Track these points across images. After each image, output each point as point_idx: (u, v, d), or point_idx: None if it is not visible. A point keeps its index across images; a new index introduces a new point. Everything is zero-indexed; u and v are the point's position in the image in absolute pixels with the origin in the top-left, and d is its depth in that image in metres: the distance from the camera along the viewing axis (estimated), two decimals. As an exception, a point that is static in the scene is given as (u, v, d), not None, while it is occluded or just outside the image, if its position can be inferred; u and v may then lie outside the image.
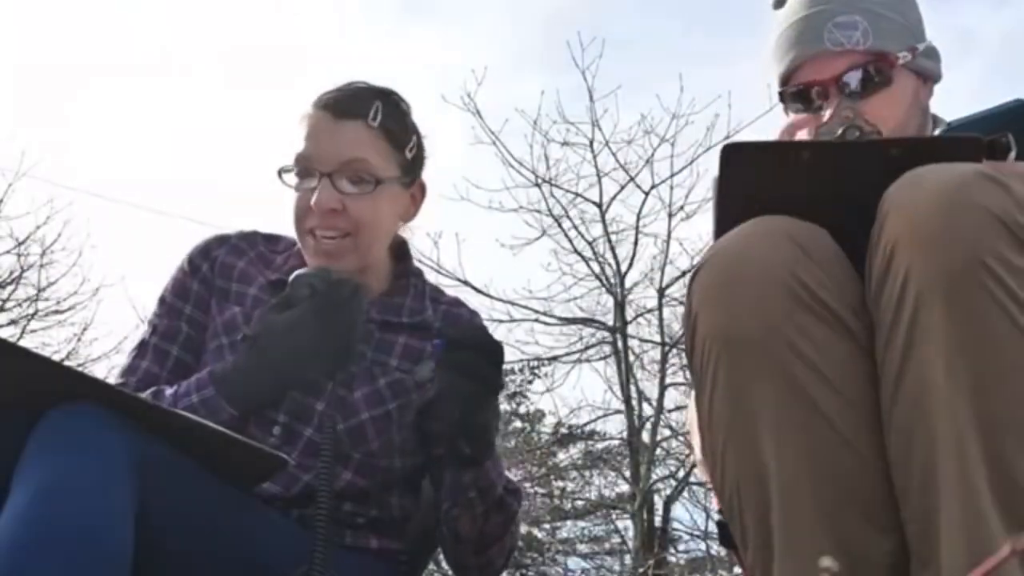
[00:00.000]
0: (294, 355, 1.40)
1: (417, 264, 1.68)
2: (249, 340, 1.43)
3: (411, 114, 1.59)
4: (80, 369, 1.34)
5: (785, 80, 1.51)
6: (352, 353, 1.42)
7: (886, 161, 1.15)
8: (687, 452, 11.11)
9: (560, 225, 10.46)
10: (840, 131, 1.30)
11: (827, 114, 1.44)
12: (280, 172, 1.53)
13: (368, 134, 1.51)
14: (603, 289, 10.70)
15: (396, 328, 1.57)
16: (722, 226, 1.22)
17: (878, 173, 1.14)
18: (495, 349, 1.38)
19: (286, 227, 1.57)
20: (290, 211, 1.53)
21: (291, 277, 1.45)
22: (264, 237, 1.64)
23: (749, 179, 1.21)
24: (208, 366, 1.48)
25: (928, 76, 1.52)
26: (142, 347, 1.56)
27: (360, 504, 1.50)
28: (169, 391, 1.45)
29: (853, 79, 1.45)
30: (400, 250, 1.65)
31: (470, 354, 1.36)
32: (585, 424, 12.13)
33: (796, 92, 1.49)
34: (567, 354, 10.95)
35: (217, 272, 1.58)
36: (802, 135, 1.49)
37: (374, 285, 1.58)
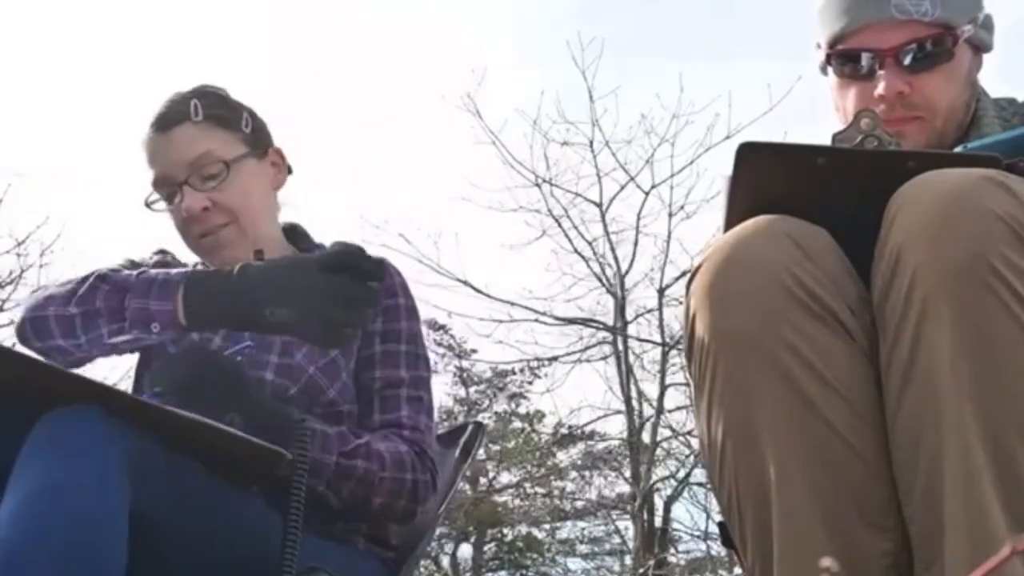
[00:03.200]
0: (272, 287, 1.34)
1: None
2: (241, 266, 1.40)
3: (230, 95, 1.64)
4: (76, 372, 1.34)
5: (837, 40, 1.45)
6: (345, 330, 1.36)
7: (901, 173, 1.14)
8: (687, 452, 11.11)
9: (560, 225, 10.48)
10: (859, 139, 1.28)
11: (880, 85, 1.40)
12: (149, 205, 1.60)
13: (198, 130, 1.57)
14: (603, 289, 10.72)
15: None
16: (731, 223, 1.21)
17: (892, 184, 1.14)
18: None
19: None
20: (176, 234, 1.59)
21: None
22: (174, 258, 1.68)
23: (762, 179, 1.20)
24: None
25: (987, 50, 1.48)
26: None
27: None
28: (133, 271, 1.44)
29: (913, 51, 1.40)
30: (297, 231, 1.70)
31: None
32: (585, 424, 12.14)
33: (848, 55, 1.43)
34: (567, 354, 10.97)
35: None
36: (850, 101, 1.45)
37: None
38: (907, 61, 1.40)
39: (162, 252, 1.69)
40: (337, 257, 1.36)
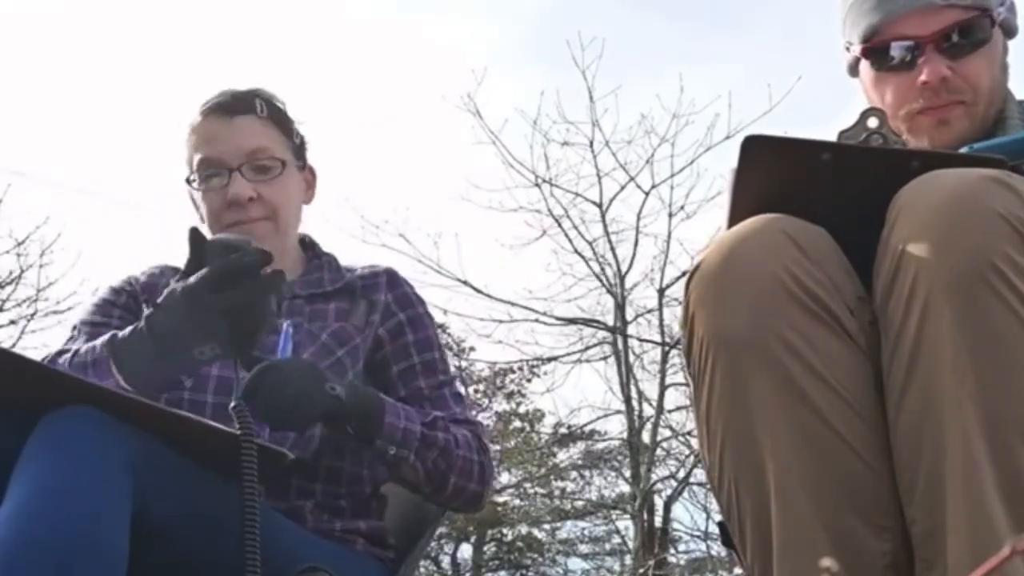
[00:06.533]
0: (190, 336, 1.32)
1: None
2: (150, 310, 1.38)
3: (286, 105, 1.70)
4: (76, 374, 1.34)
5: (872, 34, 1.44)
6: (256, 332, 1.34)
7: (906, 172, 1.14)
8: (687, 452, 11.11)
9: (560, 225, 10.47)
10: (864, 137, 1.27)
11: (924, 72, 1.39)
12: (188, 181, 1.63)
13: (261, 124, 1.62)
14: (603, 289, 10.71)
15: (323, 297, 1.63)
16: (735, 218, 1.21)
17: (896, 182, 1.13)
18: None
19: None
20: (203, 214, 1.62)
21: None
22: (173, 269, 1.68)
23: (766, 173, 1.20)
24: None
25: (1015, 34, 1.49)
26: (71, 339, 1.57)
27: (333, 482, 1.53)
28: (65, 357, 1.43)
29: (956, 35, 1.40)
30: (306, 240, 1.74)
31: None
32: (585, 424, 12.14)
33: (886, 47, 1.42)
34: (567, 354, 10.97)
35: (141, 289, 1.64)
36: (889, 94, 1.44)
37: (291, 269, 1.63)
38: (948, 46, 1.40)
39: (155, 267, 1.69)
40: (220, 271, 1.31)
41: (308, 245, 1.73)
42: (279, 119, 1.65)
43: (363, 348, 1.59)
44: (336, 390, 1.40)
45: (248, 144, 1.59)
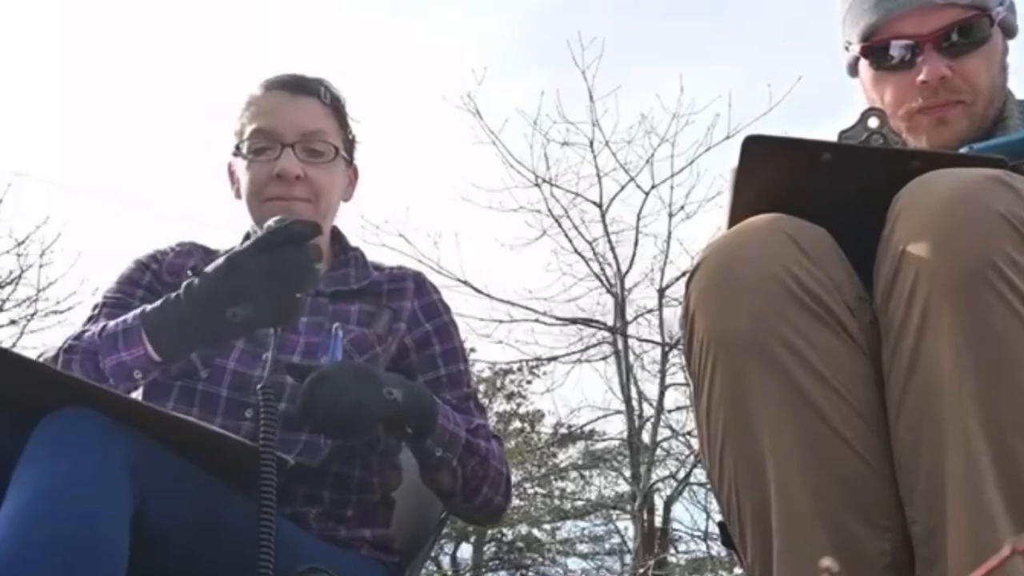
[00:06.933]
0: (225, 295, 1.33)
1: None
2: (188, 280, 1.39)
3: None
4: (77, 375, 1.34)
5: (871, 33, 1.44)
6: (295, 301, 1.35)
7: (906, 172, 1.14)
8: (687, 452, 11.11)
9: (560, 225, 10.45)
10: (864, 137, 1.28)
11: (923, 71, 1.40)
12: (237, 149, 1.62)
13: (323, 109, 1.63)
14: (603, 289, 10.70)
15: (347, 297, 1.62)
16: (735, 218, 1.21)
17: (896, 183, 1.13)
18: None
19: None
20: (243, 184, 1.60)
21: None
22: (203, 247, 1.68)
23: (767, 172, 1.20)
24: None
25: (1014, 33, 1.49)
26: (92, 318, 1.56)
27: (342, 490, 1.51)
28: (93, 329, 1.43)
29: (954, 34, 1.41)
30: (336, 233, 1.72)
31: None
32: (585, 424, 12.13)
33: (886, 46, 1.43)
34: (567, 354, 10.95)
35: (166, 268, 1.63)
36: (888, 93, 1.45)
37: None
38: (947, 45, 1.41)
39: (184, 244, 1.68)
40: (267, 235, 1.34)
41: (337, 238, 1.72)
42: (339, 110, 1.65)
43: (384, 357, 1.57)
44: (393, 394, 1.39)
45: (306, 124, 1.60)
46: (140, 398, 1.49)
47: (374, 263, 1.70)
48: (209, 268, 1.36)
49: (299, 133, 1.59)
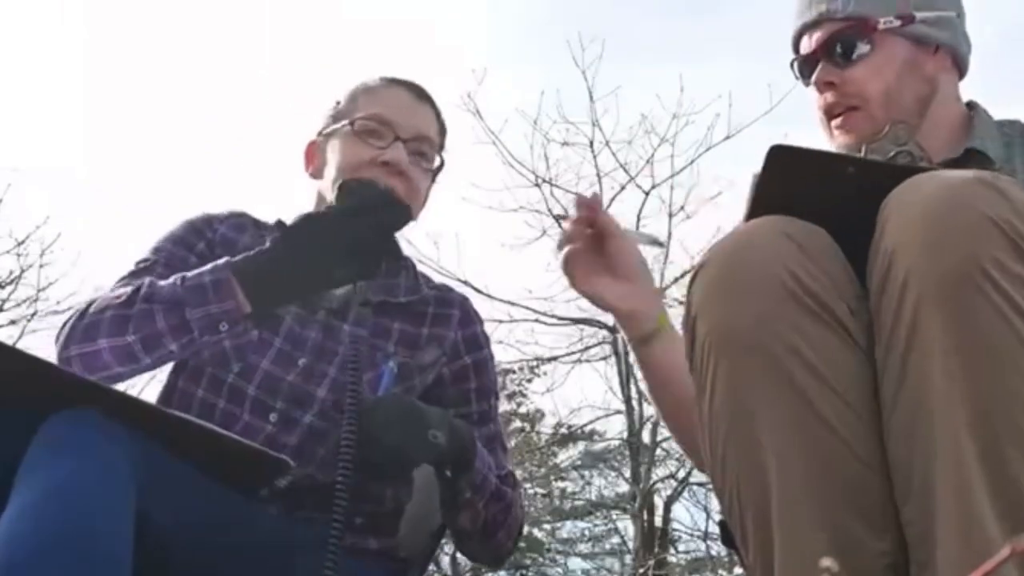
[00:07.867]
0: (320, 247, 1.42)
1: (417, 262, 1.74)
2: (280, 231, 1.46)
3: None
4: (81, 374, 1.34)
5: (795, 50, 1.57)
6: (379, 257, 1.47)
7: None
8: (687, 452, 11.10)
9: (560, 225, 10.42)
10: (892, 153, 1.30)
11: (812, 81, 1.51)
12: (352, 123, 1.62)
13: (436, 121, 1.68)
14: (603, 289, 10.67)
15: (391, 311, 1.60)
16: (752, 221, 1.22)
17: None
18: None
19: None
20: (336, 159, 1.62)
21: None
22: (253, 220, 1.69)
23: (789, 183, 1.21)
24: None
25: (932, 44, 1.52)
26: (143, 270, 1.56)
27: (355, 500, 1.49)
28: (169, 280, 1.44)
29: (834, 47, 1.50)
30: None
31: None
32: (585, 424, 12.14)
33: (797, 63, 1.56)
34: (567, 354, 10.96)
35: (219, 240, 1.62)
36: (814, 101, 1.54)
37: None
38: (834, 56, 1.51)
39: (238, 215, 1.69)
40: (350, 202, 1.45)
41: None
42: (444, 132, 1.70)
43: (420, 387, 1.58)
44: (438, 437, 1.39)
45: (424, 129, 1.64)
46: (182, 370, 1.52)
47: (424, 278, 1.70)
48: (302, 223, 1.46)
49: (414, 134, 1.62)
